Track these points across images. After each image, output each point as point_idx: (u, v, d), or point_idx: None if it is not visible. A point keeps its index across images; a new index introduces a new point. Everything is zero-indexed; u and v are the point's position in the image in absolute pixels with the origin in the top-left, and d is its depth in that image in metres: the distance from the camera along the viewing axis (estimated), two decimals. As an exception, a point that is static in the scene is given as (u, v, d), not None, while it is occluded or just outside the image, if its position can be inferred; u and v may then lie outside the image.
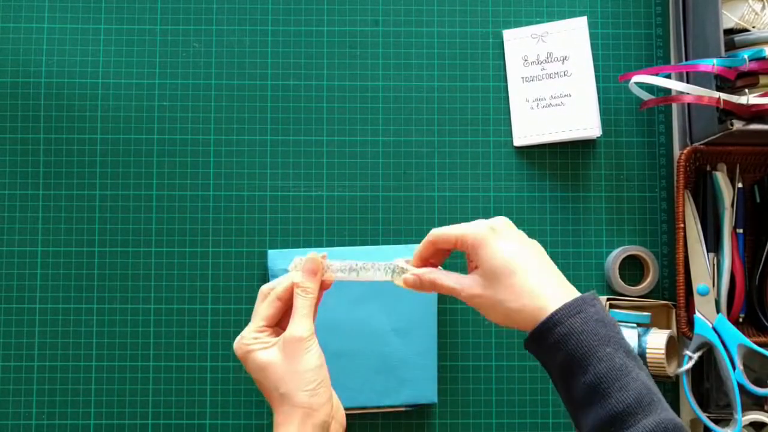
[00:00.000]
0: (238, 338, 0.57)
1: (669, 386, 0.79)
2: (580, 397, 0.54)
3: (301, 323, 0.56)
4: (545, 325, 0.55)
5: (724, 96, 0.70)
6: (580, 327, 0.54)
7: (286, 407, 0.55)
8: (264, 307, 0.58)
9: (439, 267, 0.62)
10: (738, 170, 0.78)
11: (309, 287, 0.58)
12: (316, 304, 0.60)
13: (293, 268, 0.59)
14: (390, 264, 0.62)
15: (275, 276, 0.76)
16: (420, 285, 0.60)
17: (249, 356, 0.56)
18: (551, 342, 0.55)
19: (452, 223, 0.79)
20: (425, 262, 0.62)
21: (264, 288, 0.59)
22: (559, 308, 0.55)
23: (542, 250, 0.60)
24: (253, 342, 0.56)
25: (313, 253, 0.60)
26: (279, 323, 0.59)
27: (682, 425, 0.52)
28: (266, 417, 0.78)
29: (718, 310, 0.75)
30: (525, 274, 0.57)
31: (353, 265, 0.61)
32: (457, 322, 0.79)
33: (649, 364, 0.74)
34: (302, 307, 0.57)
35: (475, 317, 0.79)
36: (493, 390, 0.79)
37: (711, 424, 0.73)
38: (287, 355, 0.55)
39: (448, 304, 0.80)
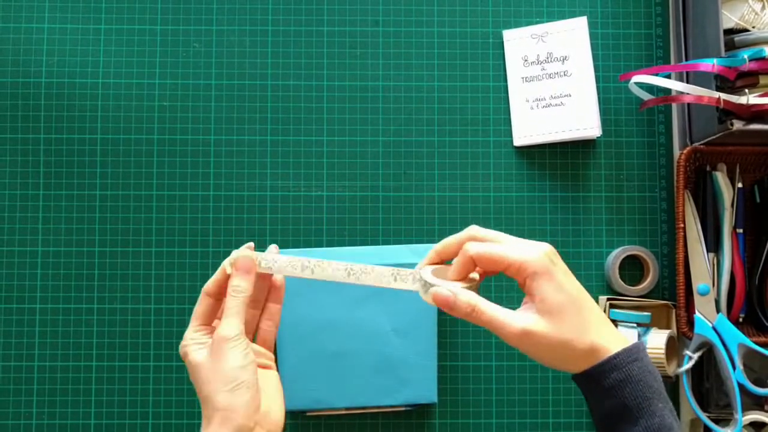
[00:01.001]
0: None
1: (669, 386, 0.79)
2: None
3: (228, 323, 0.53)
4: (604, 366, 0.53)
5: (724, 96, 0.70)
6: (637, 376, 0.53)
7: (208, 410, 0.52)
8: (198, 306, 0.56)
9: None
10: (738, 170, 0.78)
11: (240, 286, 0.55)
12: (275, 302, 0.58)
13: (228, 264, 0.55)
14: (404, 271, 0.55)
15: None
16: (453, 305, 0.53)
17: (186, 358, 0.54)
18: (607, 385, 0.53)
19: (453, 224, 0.80)
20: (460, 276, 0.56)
21: (205, 286, 0.56)
22: (620, 352, 0.53)
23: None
24: (190, 342, 0.54)
25: (246, 250, 0.56)
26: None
27: None
28: (266, 417, 0.78)
29: (718, 310, 0.76)
30: (592, 312, 0.54)
31: (305, 262, 0.56)
32: (457, 322, 0.79)
33: (649, 364, 0.74)
34: (231, 307, 0.54)
35: (475, 317, 0.79)
36: (493, 390, 0.79)
37: (711, 424, 0.73)
38: (213, 355, 0.53)
39: (448, 304, 0.80)
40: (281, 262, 0.56)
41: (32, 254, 0.79)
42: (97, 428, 0.78)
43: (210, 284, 0.56)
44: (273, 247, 0.57)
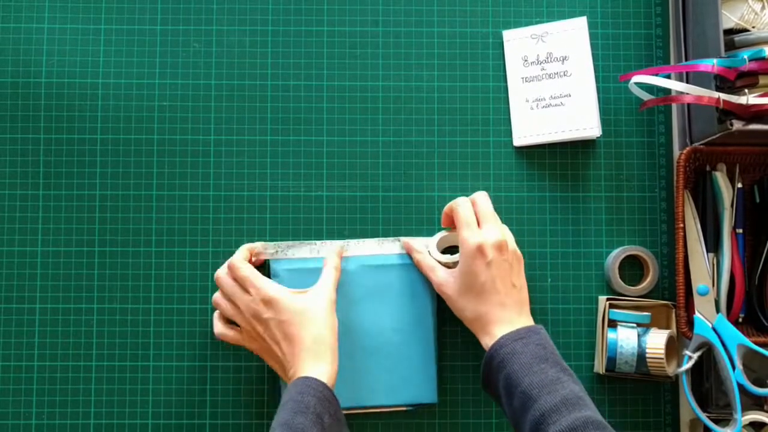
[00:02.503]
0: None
1: (669, 386, 0.80)
2: (518, 406, 0.62)
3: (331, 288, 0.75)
4: (492, 348, 0.67)
5: (723, 96, 0.70)
6: (522, 348, 0.65)
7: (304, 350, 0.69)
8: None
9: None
10: (738, 170, 0.78)
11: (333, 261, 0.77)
12: None
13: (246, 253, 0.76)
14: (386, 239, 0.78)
15: (276, 274, 0.76)
16: (409, 252, 0.77)
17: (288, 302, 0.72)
18: (498, 362, 0.66)
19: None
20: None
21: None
22: (507, 334, 0.67)
23: (517, 269, 0.72)
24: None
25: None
26: None
27: (605, 424, 0.60)
28: (266, 417, 0.78)
29: (717, 310, 0.76)
30: (492, 304, 0.70)
31: (312, 246, 0.78)
32: (458, 321, 0.79)
33: (648, 364, 0.74)
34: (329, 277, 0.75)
35: (475, 317, 0.79)
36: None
37: (711, 424, 0.73)
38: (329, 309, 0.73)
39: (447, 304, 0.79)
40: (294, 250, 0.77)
41: (32, 254, 0.79)
42: (97, 428, 0.78)
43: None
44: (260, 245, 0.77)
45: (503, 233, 0.72)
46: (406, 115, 0.82)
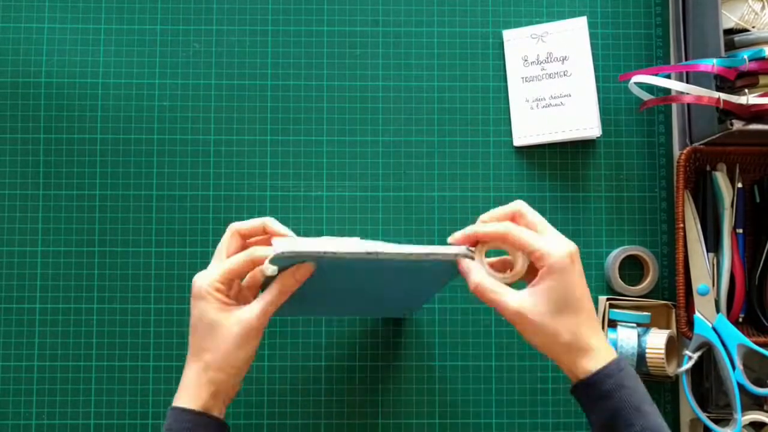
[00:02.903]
0: None
1: (669, 386, 0.80)
2: None
3: (264, 312, 0.61)
4: (600, 373, 0.58)
5: (723, 96, 0.70)
6: (628, 382, 0.58)
7: (196, 350, 0.61)
8: (227, 246, 0.64)
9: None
10: (738, 170, 0.78)
11: (288, 286, 0.61)
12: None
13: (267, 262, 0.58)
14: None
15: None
16: (466, 277, 0.60)
17: (200, 301, 0.61)
18: (605, 390, 0.58)
19: (453, 224, 0.81)
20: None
21: (237, 225, 0.64)
22: (613, 360, 0.59)
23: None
24: (212, 292, 0.61)
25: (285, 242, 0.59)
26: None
27: None
28: (266, 417, 0.78)
29: (717, 310, 0.76)
30: (588, 317, 0.60)
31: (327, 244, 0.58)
32: (457, 322, 0.79)
33: (649, 364, 0.74)
34: (271, 301, 0.61)
35: (475, 317, 0.79)
36: (493, 390, 0.79)
37: (711, 424, 0.73)
38: (236, 328, 0.60)
39: (447, 304, 0.80)
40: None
41: (32, 254, 0.79)
42: (97, 428, 0.78)
43: (244, 228, 0.63)
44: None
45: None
46: (406, 115, 0.82)
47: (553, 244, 0.59)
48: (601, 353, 0.59)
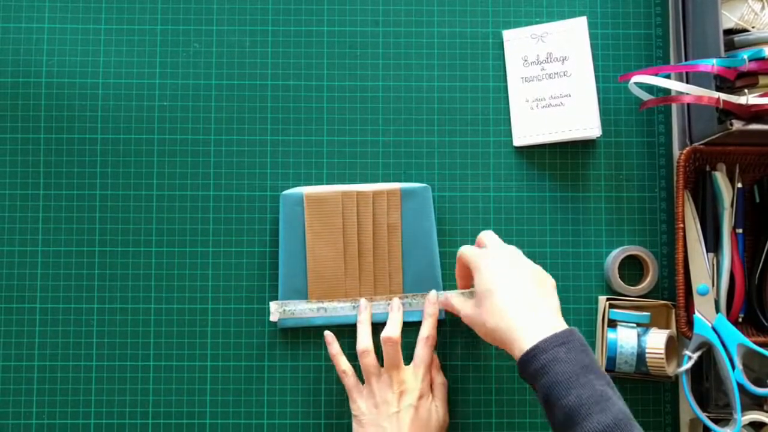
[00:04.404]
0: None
1: (669, 386, 0.80)
2: (562, 418, 0.58)
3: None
4: (532, 352, 0.60)
5: (723, 96, 0.70)
6: (565, 356, 0.59)
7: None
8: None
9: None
10: (738, 170, 0.78)
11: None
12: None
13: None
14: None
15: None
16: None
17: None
18: (538, 366, 0.60)
19: (452, 224, 0.82)
20: (465, 281, 0.73)
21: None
22: (546, 338, 0.60)
23: (539, 276, 0.67)
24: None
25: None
26: None
27: None
28: (266, 417, 0.78)
29: (717, 310, 0.76)
30: (503, 295, 0.64)
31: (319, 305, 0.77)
32: (458, 322, 0.79)
33: (648, 364, 0.74)
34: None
35: (475, 317, 0.79)
36: (493, 390, 0.79)
37: (711, 424, 0.73)
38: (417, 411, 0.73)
39: (448, 304, 0.80)
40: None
41: (32, 254, 0.79)
42: (97, 428, 0.78)
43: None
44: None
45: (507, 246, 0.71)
46: (406, 115, 0.82)
47: (477, 251, 0.68)
48: (537, 331, 0.61)
